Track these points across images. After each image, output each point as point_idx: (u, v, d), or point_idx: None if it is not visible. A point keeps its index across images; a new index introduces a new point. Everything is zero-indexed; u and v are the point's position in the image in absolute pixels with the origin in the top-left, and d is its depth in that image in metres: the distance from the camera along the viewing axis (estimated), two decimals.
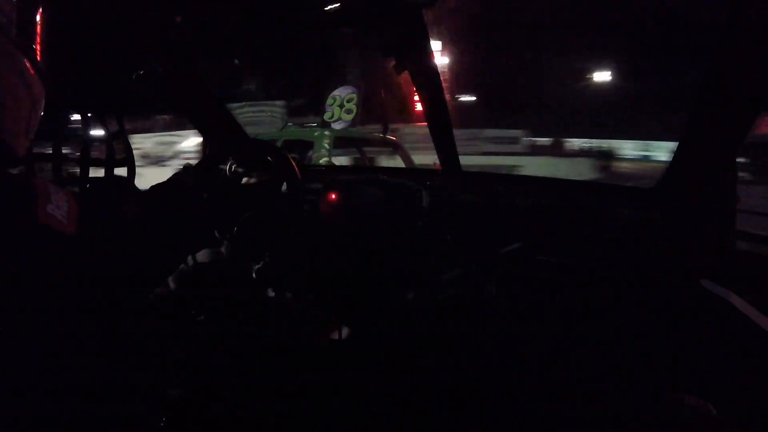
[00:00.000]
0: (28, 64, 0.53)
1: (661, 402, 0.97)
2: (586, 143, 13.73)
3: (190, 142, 8.05)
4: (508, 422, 1.22)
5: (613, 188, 1.44)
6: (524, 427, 1.22)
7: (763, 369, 0.90)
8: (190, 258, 1.18)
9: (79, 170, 1.36)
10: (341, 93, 5.03)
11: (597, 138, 13.63)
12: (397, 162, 4.39)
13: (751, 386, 0.91)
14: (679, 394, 0.93)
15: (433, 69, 1.44)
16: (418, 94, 1.52)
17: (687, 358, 1.11)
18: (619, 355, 1.20)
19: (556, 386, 1.23)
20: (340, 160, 4.83)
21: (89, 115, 1.34)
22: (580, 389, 1.21)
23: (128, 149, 1.44)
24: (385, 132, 4.44)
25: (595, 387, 1.21)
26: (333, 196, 1.34)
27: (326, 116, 4.98)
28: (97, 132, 1.37)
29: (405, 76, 1.37)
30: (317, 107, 5.85)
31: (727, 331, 1.01)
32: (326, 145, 3.80)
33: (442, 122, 1.56)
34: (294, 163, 1.22)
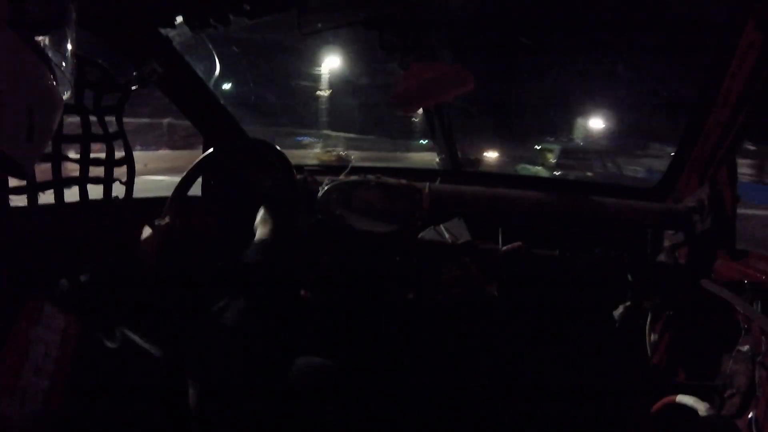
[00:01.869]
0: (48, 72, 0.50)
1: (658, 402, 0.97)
2: None
3: None
4: (508, 422, 1.22)
5: (613, 188, 1.43)
6: (524, 426, 1.22)
7: (763, 369, 0.90)
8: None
9: (79, 170, 1.36)
10: None
11: None
12: None
13: (751, 386, 0.91)
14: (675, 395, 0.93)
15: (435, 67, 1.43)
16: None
17: (687, 358, 1.11)
18: (619, 354, 1.20)
19: (556, 386, 1.23)
20: None
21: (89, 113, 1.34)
22: (580, 388, 1.21)
23: (128, 149, 1.44)
24: None
25: (595, 386, 1.21)
26: (332, 196, 1.34)
27: None
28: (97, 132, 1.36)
29: None
30: None
31: (727, 331, 1.01)
32: None
33: (442, 122, 1.56)
34: (291, 163, 1.21)
